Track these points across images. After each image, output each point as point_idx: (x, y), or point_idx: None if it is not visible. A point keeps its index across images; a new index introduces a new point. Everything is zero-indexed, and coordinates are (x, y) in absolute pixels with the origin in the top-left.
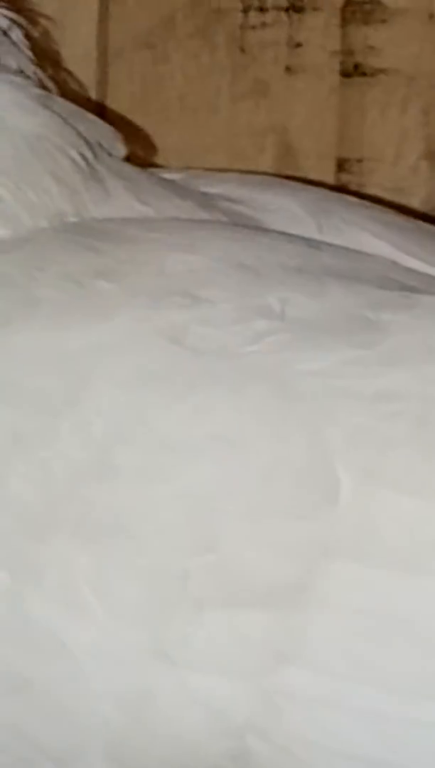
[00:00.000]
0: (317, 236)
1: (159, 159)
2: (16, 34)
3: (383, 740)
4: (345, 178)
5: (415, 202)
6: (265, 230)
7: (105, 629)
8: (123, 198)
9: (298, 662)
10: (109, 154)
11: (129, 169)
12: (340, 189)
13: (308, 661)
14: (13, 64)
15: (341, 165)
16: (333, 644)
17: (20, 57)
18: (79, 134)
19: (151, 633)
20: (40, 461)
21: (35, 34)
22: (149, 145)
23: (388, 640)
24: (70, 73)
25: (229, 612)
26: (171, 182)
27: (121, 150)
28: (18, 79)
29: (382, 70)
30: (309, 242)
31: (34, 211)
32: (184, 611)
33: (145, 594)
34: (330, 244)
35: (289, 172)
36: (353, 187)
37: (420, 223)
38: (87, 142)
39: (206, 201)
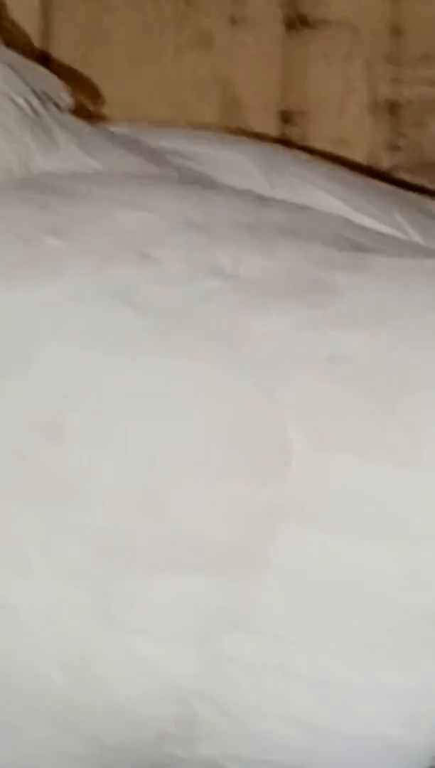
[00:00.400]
0: (269, 193)
1: (102, 111)
2: None
3: (329, 707)
4: (288, 130)
5: (358, 155)
6: (216, 187)
7: (52, 592)
8: (71, 151)
9: (245, 627)
10: (56, 106)
11: (76, 122)
12: (284, 141)
13: (256, 626)
14: None
15: (285, 117)
16: (281, 609)
17: None
18: (27, 83)
19: (98, 596)
20: None
21: None
22: (95, 96)
23: (334, 606)
24: (13, 23)
25: (177, 576)
26: (119, 136)
27: (67, 100)
28: None
29: (326, 22)
30: (260, 199)
31: None
32: (131, 575)
33: (93, 557)
34: (282, 201)
35: (233, 124)
36: (297, 139)
37: (370, 179)
38: (34, 92)
39: (156, 156)
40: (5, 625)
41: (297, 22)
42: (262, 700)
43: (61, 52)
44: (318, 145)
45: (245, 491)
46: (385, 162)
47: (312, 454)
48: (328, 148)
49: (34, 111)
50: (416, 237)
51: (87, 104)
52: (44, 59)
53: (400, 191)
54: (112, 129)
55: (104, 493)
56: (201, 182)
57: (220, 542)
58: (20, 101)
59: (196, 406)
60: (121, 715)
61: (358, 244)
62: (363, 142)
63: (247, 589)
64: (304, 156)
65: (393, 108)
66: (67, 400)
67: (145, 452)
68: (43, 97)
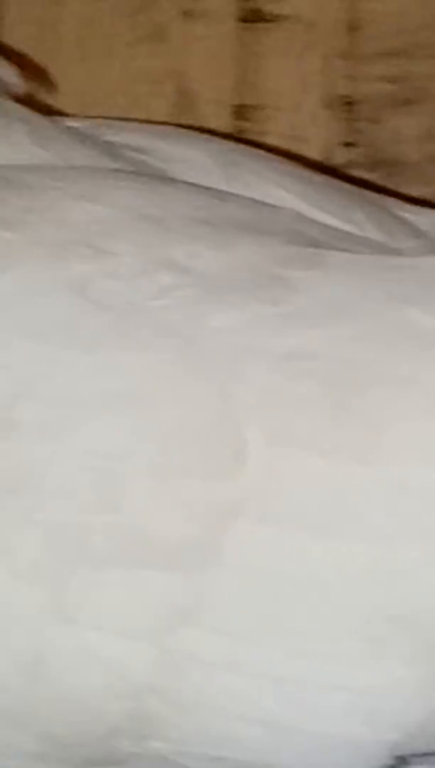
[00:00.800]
0: (225, 188)
1: (55, 103)
2: None
3: (286, 704)
4: (243, 125)
5: (313, 151)
6: (171, 181)
7: (4, 587)
8: (24, 142)
9: (199, 623)
10: (10, 97)
11: (30, 113)
12: (239, 136)
13: (210, 622)
14: None
15: (239, 112)
16: (236, 605)
17: None
18: None
19: (50, 591)
20: None
21: None
22: (48, 86)
23: (291, 603)
24: None
25: (131, 571)
26: (74, 130)
27: (20, 88)
28: None
29: (281, 16)
30: (216, 194)
31: None
32: (84, 569)
33: (45, 551)
34: (238, 196)
35: (187, 119)
36: (251, 135)
37: (328, 177)
38: None
39: (111, 150)
40: None
41: (252, 16)
42: (215, 696)
43: (12, 42)
44: (273, 140)
45: (200, 487)
46: (340, 158)
47: (269, 450)
48: (284, 144)
49: None
50: (374, 234)
51: (40, 95)
52: None
53: (358, 189)
54: (67, 122)
55: (58, 487)
56: (157, 176)
57: (175, 538)
58: None
59: (151, 401)
60: (73, 710)
61: (315, 240)
62: (318, 138)
63: (201, 585)
64: (260, 152)
65: (349, 104)
66: (21, 394)
67: (99, 447)
68: None
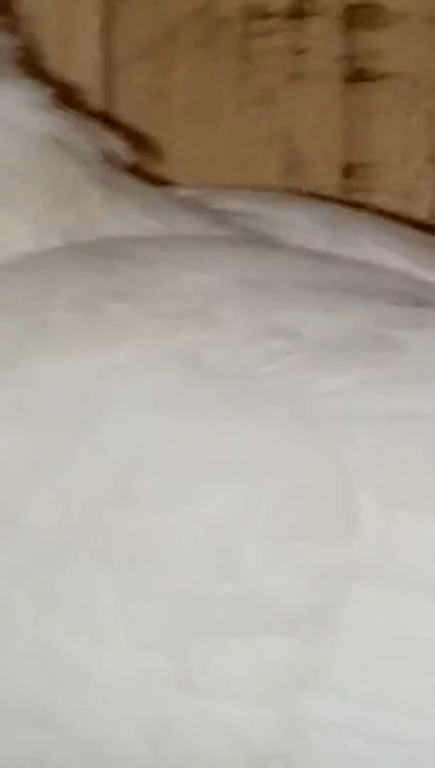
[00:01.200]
0: (331, 251)
1: (164, 170)
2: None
3: (402, 765)
4: (351, 183)
5: (421, 207)
6: (278, 246)
7: (127, 657)
8: (134, 213)
9: (322, 688)
10: (119, 167)
11: (139, 184)
12: (347, 195)
13: (332, 686)
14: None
15: (348, 170)
16: (357, 669)
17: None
18: (93, 142)
19: (173, 660)
20: (57, 488)
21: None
22: (158, 156)
23: (413, 664)
24: (75, 86)
25: (252, 638)
26: (182, 199)
27: (130, 160)
28: (30, 83)
29: (386, 74)
30: (322, 257)
31: (43, 224)
32: (206, 638)
33: (167, 621)
34: (344, 259)
35: (296, 179)
36: (360, 193)
37: (430, 235)
38: (100, 151)
39: (219, 218)
40: (81, 691)
41: (356, 76)
42: (344, 763)
43: (122, 112)
44: (381, 197)
45: (315, 553)
46: None
47: (381, 513)
48: (392, 201)
49: (101, 171)
50: None
51: (149, 165)
52: (105, 120)
53: None
54: (176, 191)
55: (177, 555)
56: (264, 242)
57: (295, 604)
58: (88, 160)
59: (263, 468)
60: None
61: (420, 299)
62: (426, 193)
63: (324, 650)
64: (364, 214)
65: None
66: (137, 465)
67: (215, 516)
68: (107, 158)
